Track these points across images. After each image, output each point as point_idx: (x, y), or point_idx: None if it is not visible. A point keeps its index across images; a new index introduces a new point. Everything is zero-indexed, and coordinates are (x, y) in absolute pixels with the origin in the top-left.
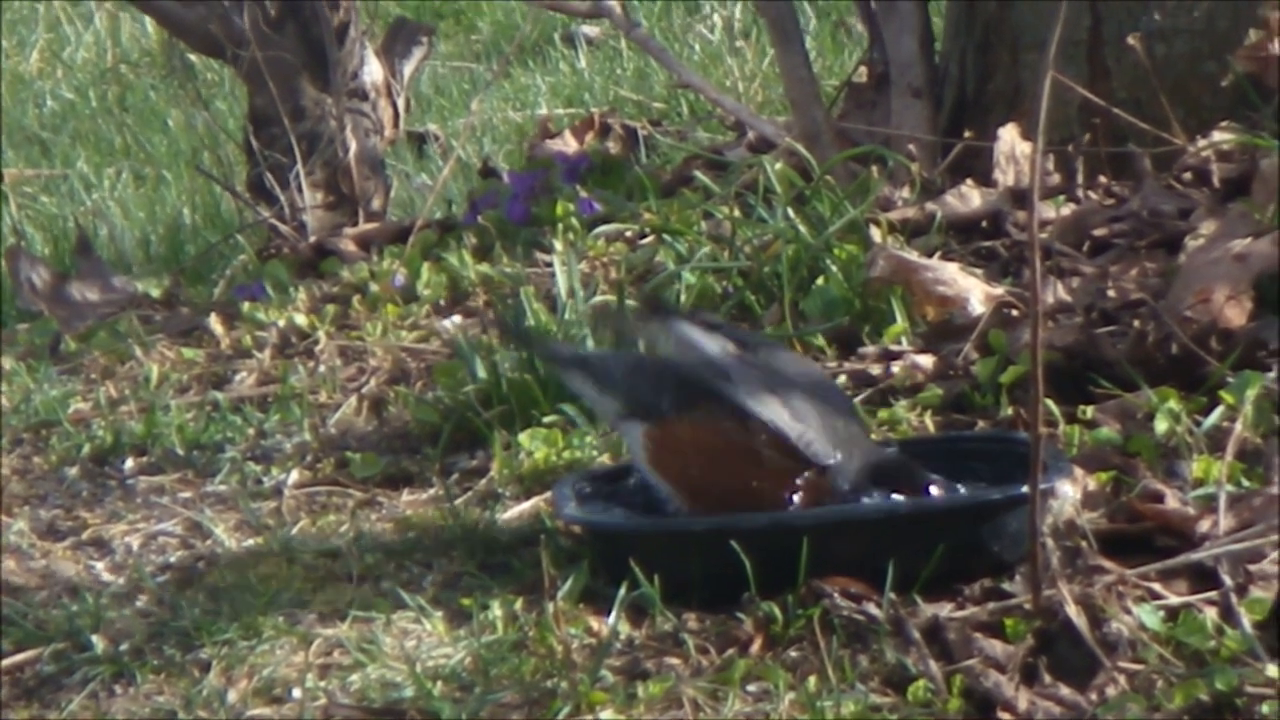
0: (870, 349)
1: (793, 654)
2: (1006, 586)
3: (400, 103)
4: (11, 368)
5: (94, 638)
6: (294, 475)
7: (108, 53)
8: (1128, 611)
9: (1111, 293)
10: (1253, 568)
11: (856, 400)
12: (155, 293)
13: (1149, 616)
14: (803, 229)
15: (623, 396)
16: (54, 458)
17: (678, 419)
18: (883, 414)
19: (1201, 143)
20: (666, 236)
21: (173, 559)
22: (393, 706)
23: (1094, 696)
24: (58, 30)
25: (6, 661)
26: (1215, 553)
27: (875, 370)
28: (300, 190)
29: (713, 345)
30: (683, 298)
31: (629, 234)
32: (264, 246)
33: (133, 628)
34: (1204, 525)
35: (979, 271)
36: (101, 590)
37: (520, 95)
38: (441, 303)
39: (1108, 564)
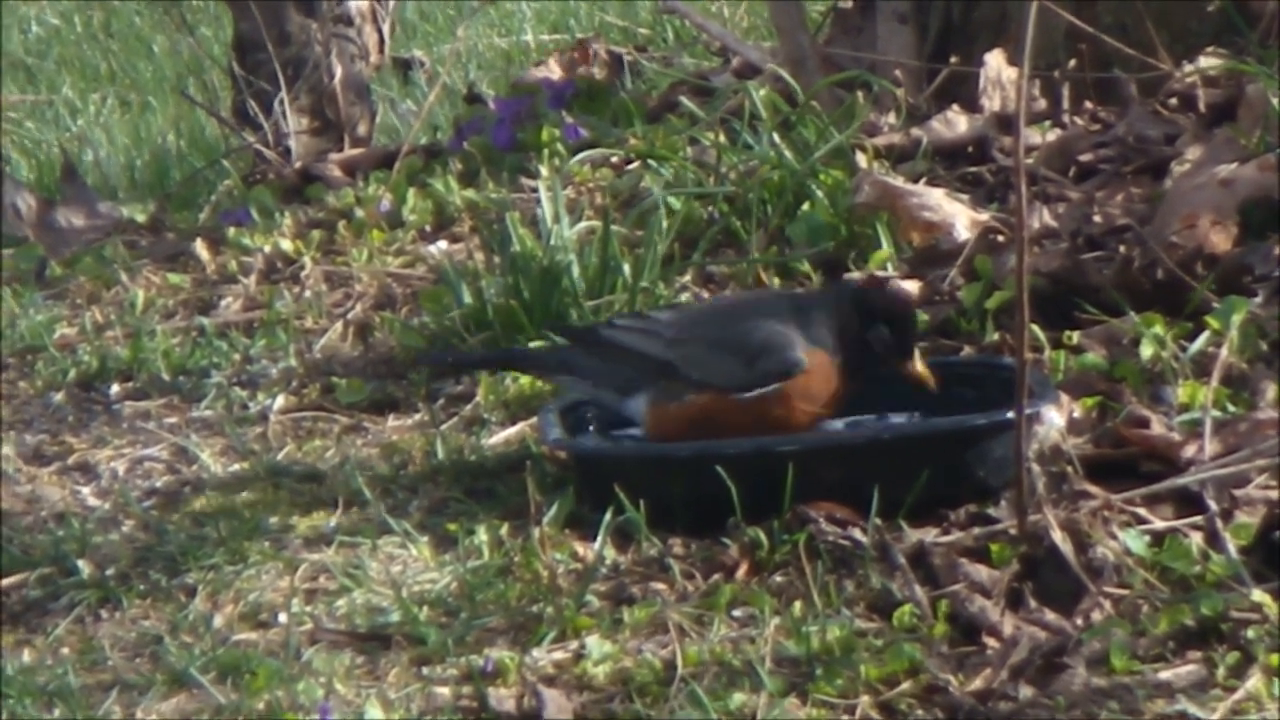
0: (856, 274)
1: (778, 579)
2: (992, 512)
3: (386, 28)
4: None
5: (80, 562)
6: (280, 401)
7: None
8: (1113, 537)
9: (1097, 218)
10: (1238, 493)
11: None
12: (141, 218)
13: (1134, 542)
14: (788, 155)
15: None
16: (40, 383)
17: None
18: None
19: (1188, 68)
20: (651, 162)
21: (158, 484)
22: (378, 631)
23: (1079, 621)
24: None
25: None
26: (1201, 478)
27: None
28: (285, 116)
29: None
30: (665, 224)
31: (614, 159)
32: (250, 172)
33: (119, 552)
34: (1189, 450)
35: (965, 197)
36: (87, 515)
37: (505, 21)
38: (427, 228)
39: (1093, 489)
